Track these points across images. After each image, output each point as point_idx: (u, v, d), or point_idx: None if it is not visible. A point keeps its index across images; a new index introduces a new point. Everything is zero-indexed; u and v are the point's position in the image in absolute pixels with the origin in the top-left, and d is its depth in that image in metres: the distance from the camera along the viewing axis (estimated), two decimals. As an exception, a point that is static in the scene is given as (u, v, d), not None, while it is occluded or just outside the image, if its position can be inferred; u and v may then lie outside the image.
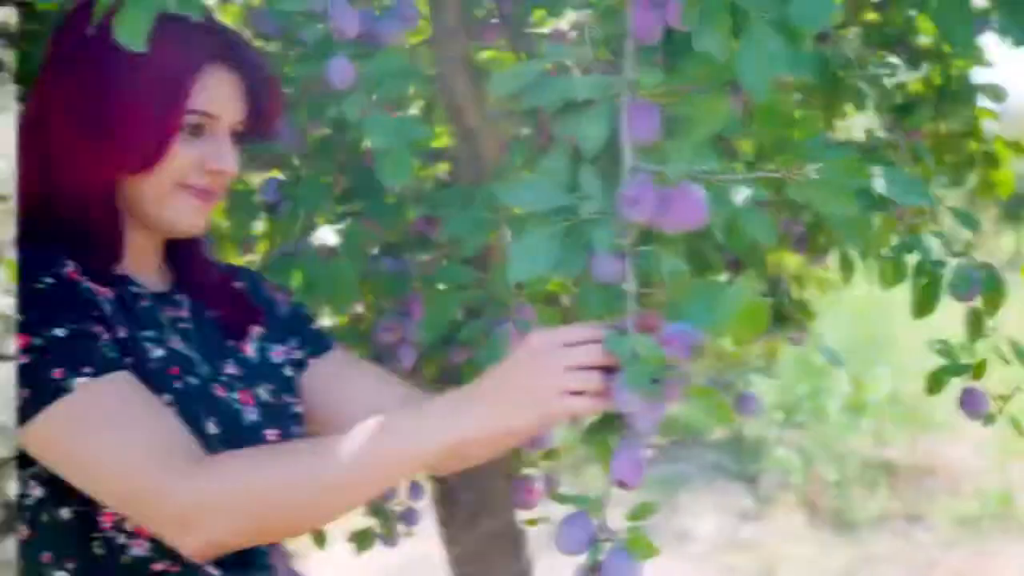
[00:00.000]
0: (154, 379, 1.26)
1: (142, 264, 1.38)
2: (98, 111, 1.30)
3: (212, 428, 1.28)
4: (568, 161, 1.20)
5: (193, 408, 1.27)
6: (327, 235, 2.07)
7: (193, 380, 1.31)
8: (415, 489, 2.12)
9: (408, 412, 1.21)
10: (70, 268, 1.27)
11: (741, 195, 1.16)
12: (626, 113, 1.18)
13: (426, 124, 1.56)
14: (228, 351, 1.41)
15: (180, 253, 1.43)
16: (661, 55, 1.30)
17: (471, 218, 1.67)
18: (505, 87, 1.25)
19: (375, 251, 2.06)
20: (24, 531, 1.26)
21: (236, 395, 1.35)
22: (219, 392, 1.33)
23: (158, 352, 1.30)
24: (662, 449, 6.22)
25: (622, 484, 1.15)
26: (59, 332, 1.20)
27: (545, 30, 2.06)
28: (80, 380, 1.19)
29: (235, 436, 1.29)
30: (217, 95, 1.33)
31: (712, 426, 6.48)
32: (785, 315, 2.48)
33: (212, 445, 1.26)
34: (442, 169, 2.50)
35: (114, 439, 1.19)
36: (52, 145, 1.32)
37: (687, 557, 4.97)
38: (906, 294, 1.66)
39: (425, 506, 2.30)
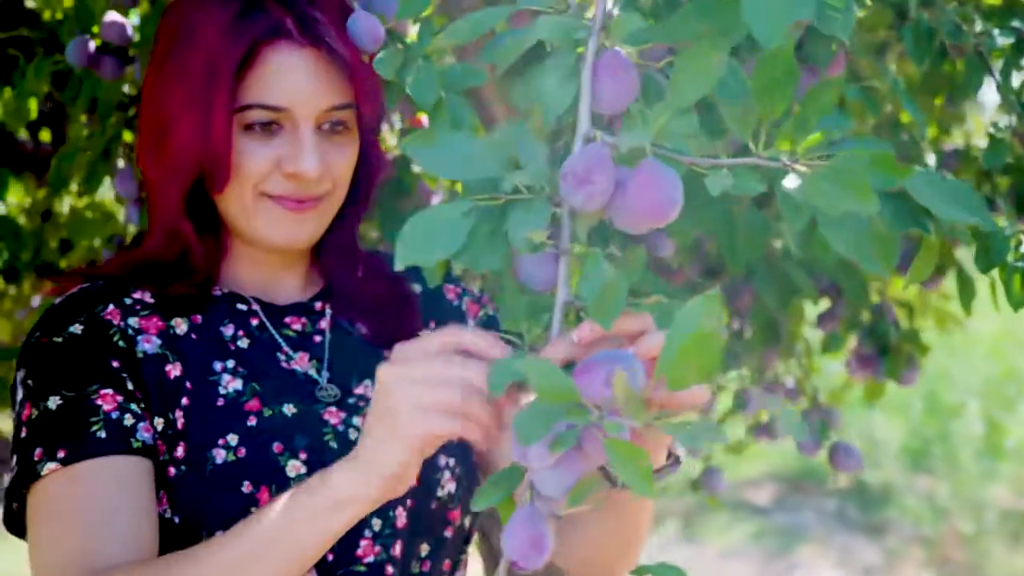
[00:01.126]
0: (220, 416, 1.18)
1: (262, 276, 1.27)
2: (155, 121, 1.19)
3: (295, 469, 1.17)
4: (522, 132, 0.93)
5: (269, 447, 1.17)
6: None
7: (290, 409, 1.20)
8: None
9: (283, 499, 1.03)
10: (112, 307, 1.19)
11: (716, 185, 0.86)
12: (588, 65, 0.90)
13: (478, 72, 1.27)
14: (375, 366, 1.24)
15: (323, 258, 1.30)
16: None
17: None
18: (458, 37, 0.98)
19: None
20: None
21: (357, 421, 1.22)
22: (332, 418, 1.21)
23: (234, 386, 1.20)
24: (778, 498, 5.98)
25: (515, 566, 0.89)
26: (52, 404, 1.14)
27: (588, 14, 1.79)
28: (50, 466, 1.12)
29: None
30: (280, 82, 1.14)
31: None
32: (892, 349, 2.18)
33: (287, 488, 1.12)
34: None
35: (38, 547, 1.13)
36: (138, 162, 1.24)
37: (805, 618, 4.71)
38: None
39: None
